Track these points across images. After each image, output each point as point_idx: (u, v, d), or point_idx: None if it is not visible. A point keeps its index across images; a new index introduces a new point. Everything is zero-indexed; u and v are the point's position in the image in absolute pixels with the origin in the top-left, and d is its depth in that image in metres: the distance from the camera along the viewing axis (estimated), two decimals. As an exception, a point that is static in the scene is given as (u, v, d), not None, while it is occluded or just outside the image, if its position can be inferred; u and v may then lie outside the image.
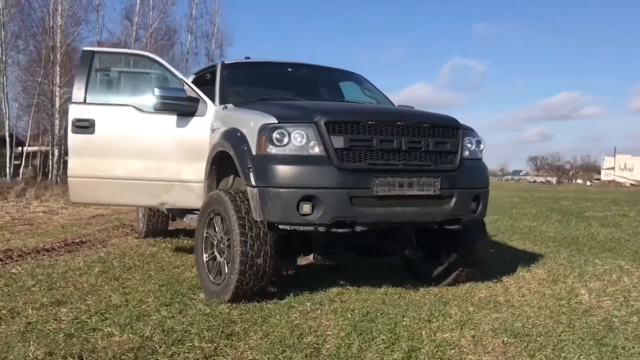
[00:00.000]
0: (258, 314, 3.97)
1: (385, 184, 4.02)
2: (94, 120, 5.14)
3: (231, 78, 5.51)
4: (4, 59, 25.52)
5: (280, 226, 4.04)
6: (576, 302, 4.48)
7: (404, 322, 3.76)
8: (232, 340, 3.41)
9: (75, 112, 5.18)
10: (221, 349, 3.26)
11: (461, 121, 4.58)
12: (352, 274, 5.30)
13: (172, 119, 5.09)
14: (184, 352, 3.18)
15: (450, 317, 3.89)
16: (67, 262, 5.85)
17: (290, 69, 5.96)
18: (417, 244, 5.05)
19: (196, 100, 5.10)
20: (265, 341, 3.39)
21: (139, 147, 5.16)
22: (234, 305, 4.16)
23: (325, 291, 4.63)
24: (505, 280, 5.22)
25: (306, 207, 3.91)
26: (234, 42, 39.26)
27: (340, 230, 4.02)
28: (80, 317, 3.77)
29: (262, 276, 4.19)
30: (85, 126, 5.14)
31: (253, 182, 4.04)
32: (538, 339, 3.50)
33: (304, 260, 4.54)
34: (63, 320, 3.72)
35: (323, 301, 4.34)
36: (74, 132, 5.17)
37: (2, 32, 25.18)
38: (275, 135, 4.00)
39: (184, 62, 32.32)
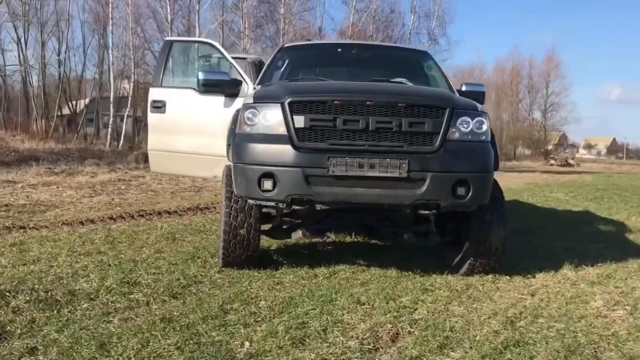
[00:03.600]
0: (228, 280, 4.34)
1: (342, 164, 4.00)
2: (165, 102, 5.94)
3: (280, 60, 5.81)
4: (247, 47, 28.94)
5: (250, 200, 4.31)
6: (582, 309, 3.92)
7: (337, 302, 3.78)
8: (174, 299, 3.83)
9: (153, 94, 6.04)
10: (146, 303, 3.71)
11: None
12: (390, 256, 5.26)
13: (220, 99, 5.63)
14: (116, 299, 3.73)
15: (387, 304, 3.77)
16: (162, 222, 6.82)
17: (340, 49, 6.03)
18: (437, 229, 4.83)
19: (239, 82, 5.55)
20: (190, 301, 3.77)
21: (196, 125, 5.83)
22: (225, 270, 4.57)
23: (328, 268, 4.72)
24: (539, 277, 4.71)
25: (267, 184, 4.10)
26: (454, 20, 38.29)
27: (297, 208, 4.14)
28: (88, 266, 4.54)
29: (247, 246, 4.52)
30: (159, 106, 5.97)
31: (230, 159, 4.37)
32: (447, 334, 3.27)
33: (296, 235, 4.73)
34: (76, 266, 4.53)
35: (308, 277, 4.49)
36: (151, 111, 6.03)
37: (243, 22, 28.53)
38: (247, 114, 4.26)
39: (409, 43, 32.71)
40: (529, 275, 4.74)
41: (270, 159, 4.12)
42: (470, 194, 4.14)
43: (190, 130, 5.86)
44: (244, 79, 5.59)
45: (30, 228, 6.28)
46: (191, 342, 3.02)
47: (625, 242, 6.78)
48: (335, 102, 4.10)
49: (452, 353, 3.03)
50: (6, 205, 7.84)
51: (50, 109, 28.53)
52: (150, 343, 2.97)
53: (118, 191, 10.33)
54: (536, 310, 3.82)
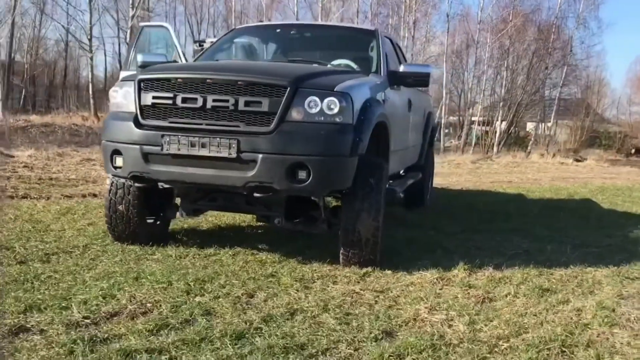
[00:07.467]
0: (98, 252, 4.52)
1: (176, 143, 3.97)
2: (131, 84, 6.29)
3: (228, 42, 5.84)
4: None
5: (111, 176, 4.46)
6: (408, 311, 3.52)
7: (149, 278, 3.83)
8: (19, 264, 4.08)
9: (121, 76, 6.40)
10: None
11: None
12: (298, 243, 5.12)
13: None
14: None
15: (194, 285, 3.72)
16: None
17: (279, 30, 5.87)
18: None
19: (176, 65, 5.69)
20: (28, 268, 4.00)
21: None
22: (113, 243, 4.78)
23: (212, 249, 4.70)
24: (421, 274, 4.26)
25: (118, 161, 4.23)
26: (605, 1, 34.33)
27: (137, 185, 4.22)
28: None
29: (128, 222, 4.68)
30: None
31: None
32: (193, 317, 3.18)
33: (178, 215, 4.80)
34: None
35: (177, 257, 4.49)
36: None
37: (371, 10, 28.51)
38: (112, 93, 4.42)
39: (554, 28, 30.23)
40: (414, 272, 4.32)
41: (120, 136, 4.24)
42: (311, 177, 3.88)
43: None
44: (181, 61, 5.72)
45: (32, 198, 6.99)
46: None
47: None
48: (178, 79, 4.09)
49: (158, 336, 2.93)
50: (50, 178, 8.78)
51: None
52: None
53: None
54: (345, 307, 3.51)
